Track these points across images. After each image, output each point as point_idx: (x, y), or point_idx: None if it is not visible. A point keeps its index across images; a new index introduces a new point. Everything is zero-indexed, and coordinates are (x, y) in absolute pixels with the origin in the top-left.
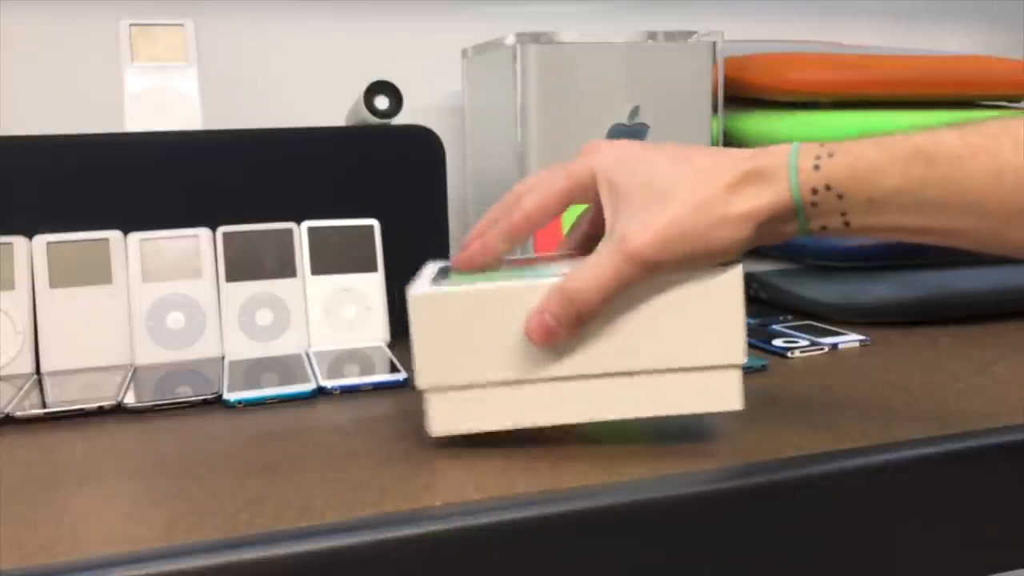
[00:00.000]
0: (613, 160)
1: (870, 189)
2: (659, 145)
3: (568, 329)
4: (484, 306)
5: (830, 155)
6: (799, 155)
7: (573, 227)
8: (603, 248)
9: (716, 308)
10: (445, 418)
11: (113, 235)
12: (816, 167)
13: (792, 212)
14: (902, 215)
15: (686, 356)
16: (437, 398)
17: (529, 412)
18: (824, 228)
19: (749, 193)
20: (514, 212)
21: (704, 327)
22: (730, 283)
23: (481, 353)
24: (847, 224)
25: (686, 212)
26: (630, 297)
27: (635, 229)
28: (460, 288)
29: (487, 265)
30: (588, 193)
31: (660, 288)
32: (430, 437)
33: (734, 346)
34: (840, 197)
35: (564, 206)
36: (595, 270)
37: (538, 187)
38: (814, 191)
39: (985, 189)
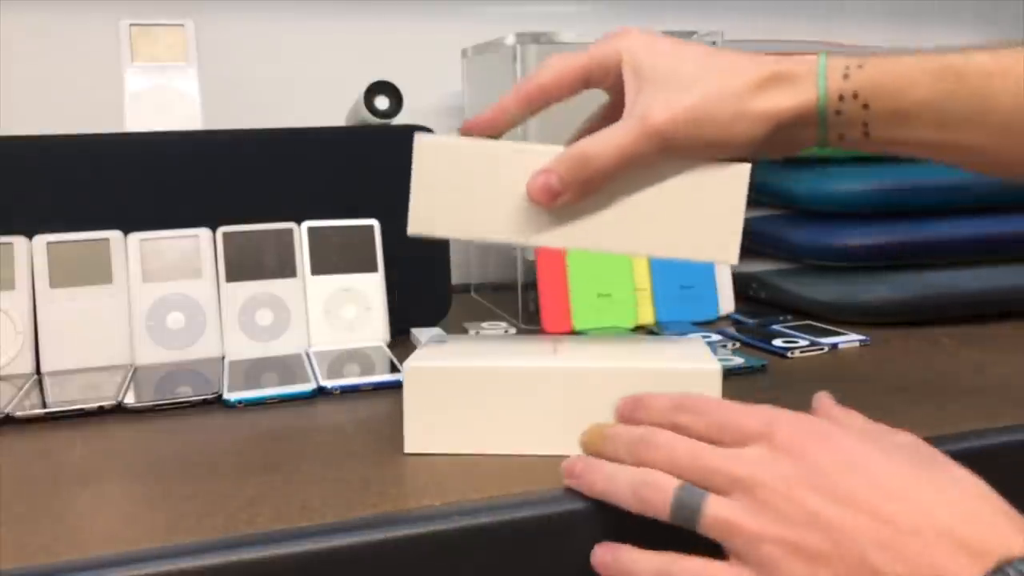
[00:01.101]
0: (642, 44)
1: (897, 100)
2: (688, 40)
3: (573, 192)
4: (483, 162)
5: (859, 66)
6: (828, 63)
7: (586, 122)
8: (623, 121)
9: (718, 202)
10: (419, 438)
11: (113, 235)
12: (845, 76)
13: (815, 117)
14: (925, 129)
15: (681, 247)
16: (413, 419)
17: (506, 440)
18: (842, 137)
19: (775, 93)
20: (531, 79)
21: (703, 220)
22: (737, 179)
23: (475, 207)
24: (866, 135)
25: (710, 99)
26: (634, 180)
27: (658, 106)
28: (462, 140)
29: (497, 129)
30: (608, 75)
31: (665, 175)
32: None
33: (729, 244)
34: (866, 107)
35: (581, 82)
36: (613, 138)
37: (557, 62)
38: (840, 98)
39: (1013, 106)
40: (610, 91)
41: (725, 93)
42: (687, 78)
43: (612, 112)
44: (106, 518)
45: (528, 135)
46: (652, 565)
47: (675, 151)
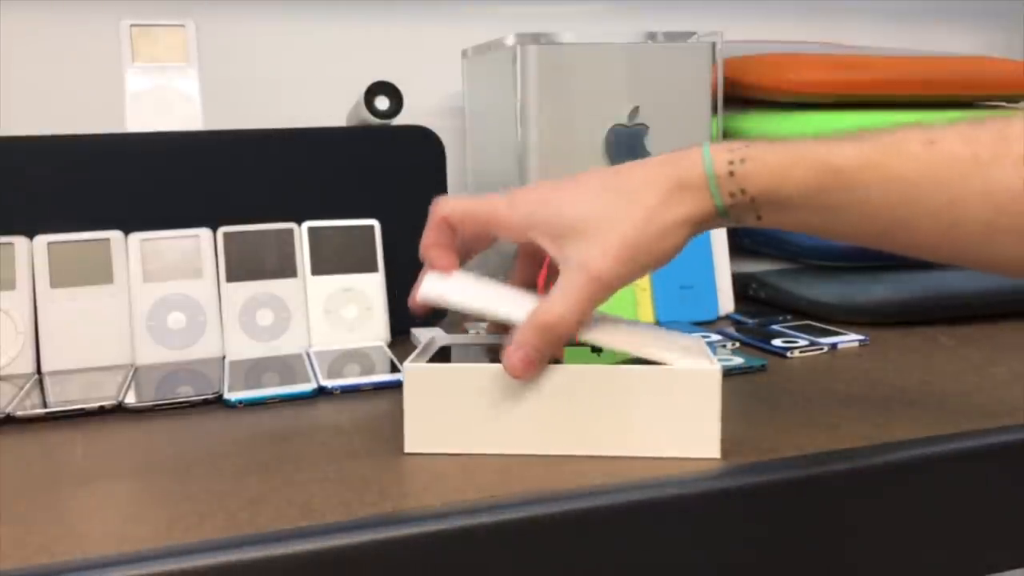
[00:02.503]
0: (533, 213)
1: (778, 192)
2: (571, 179)
3: (547, 359)
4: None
5: (742, 160)
6: (714, 161)
7: (509, 273)
8: (565, 278)
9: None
10: (419, 438)
11: (114, 235)
12: (731, 173)
13: (716, 214)
14: (808, 215)
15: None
16: (413, 419)
17: (505, 441)
18: (740, 221)
19: (678, 203)
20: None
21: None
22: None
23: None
24: (759, 219)
25: (633, 232)
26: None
27: (595, 254)
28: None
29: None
30: (536, 255)
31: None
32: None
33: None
34: (753, 200)
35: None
36: (566, 299)
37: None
38: (731, 195)
39: (883, 201)
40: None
41: (641, 220)
42: (602, 220)
43: (529, 260)
44: (106, 518)
45: (527, 145)
46: None
47: (622, 285)
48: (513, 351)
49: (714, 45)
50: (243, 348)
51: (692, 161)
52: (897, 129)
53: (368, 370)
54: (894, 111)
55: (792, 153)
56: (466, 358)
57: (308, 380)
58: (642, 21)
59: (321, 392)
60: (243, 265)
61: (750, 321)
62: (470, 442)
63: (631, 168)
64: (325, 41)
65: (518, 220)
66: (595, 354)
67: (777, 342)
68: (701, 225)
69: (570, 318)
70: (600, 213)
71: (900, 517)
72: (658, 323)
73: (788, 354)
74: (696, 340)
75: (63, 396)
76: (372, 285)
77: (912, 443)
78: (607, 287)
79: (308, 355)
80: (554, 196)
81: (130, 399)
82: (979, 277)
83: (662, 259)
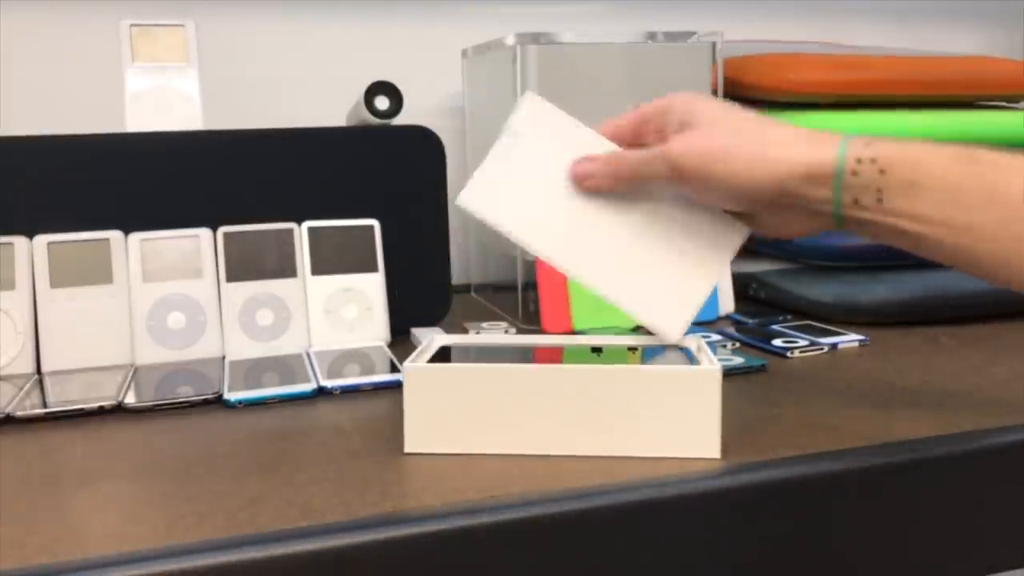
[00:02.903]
0: (689, 103)
1: (914, 171)
2: (730, 104)
3: (603, 181)
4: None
5: (882, 141)
6: (852, 136)
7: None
8: (651, 148)
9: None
10: (419, 438)
11: (114, 235)
12: (867, 143)
13: (830, 175)
14: (939, 205)
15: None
16: (413, 419)
17: (505, 441)
18: (856, 202)
19: (794, 145)
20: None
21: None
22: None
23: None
24: (880, 201)
25: (729, 147)
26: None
27: (682, 143)
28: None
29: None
30: (658, 121)
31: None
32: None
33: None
34: (882, 172)
35: (633, 129)
36: (638, 154)
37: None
38: (859, 160)
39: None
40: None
41: (747, 142)
42: (718, 126)
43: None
44: (106, 518)
45: None
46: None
47: (686, 182)
48: (580, 161)
49: (714, 45)
50: (243, 348)
51: (830, 134)
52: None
53: (368, 370)
54: (894, 111)
55: (931, 145)
56: (466, 358)
57: (308, 380)
58: (642, 21)
59: (321, 392)
60: (243, 265)
61: (750, 321)
62: (470, 442)
63: (787, 125)
64: (325, 41)
65: (673, 98)
66: (595, 354)
67: (777, 342)
68: (803, 183)
69: (628, 166)
70: (726, 125)
71: (900, 517)
72: None
73: (788, 354)
74: (695, 340)
75: (63, 396)
76: (372, 285)
77: (912, 443)
78: (671, 171)
79: (308, 355)
80: (711, 102)
81: (130, 399)
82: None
83: (739, 188)
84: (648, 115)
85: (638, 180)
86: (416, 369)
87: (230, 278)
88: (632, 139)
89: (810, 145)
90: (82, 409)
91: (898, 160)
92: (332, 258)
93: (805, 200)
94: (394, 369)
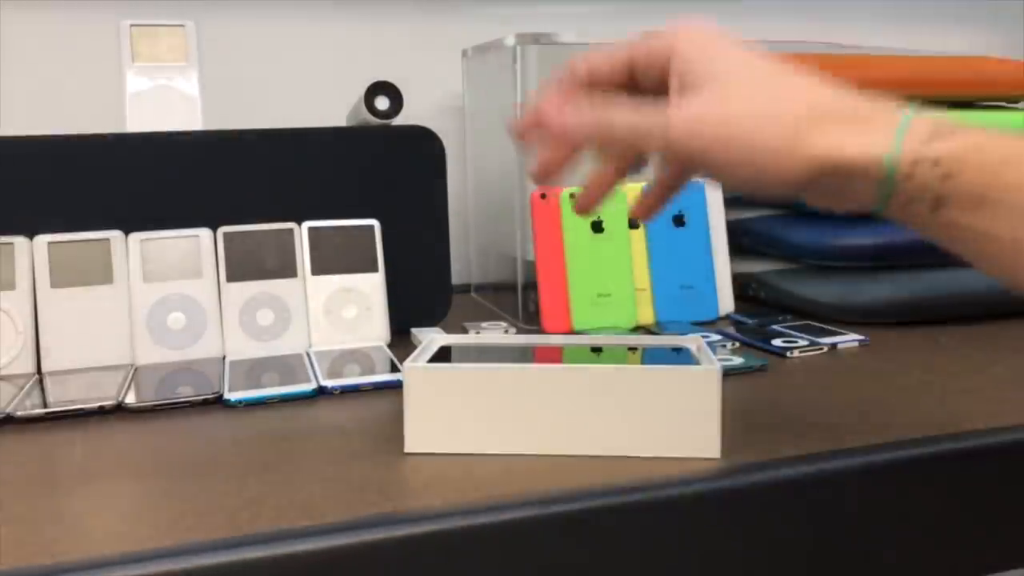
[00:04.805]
0: (698, 44)
1: (988, 178)
2: (752, 46)
3: (578, 134)
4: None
5: (952, 132)
6: (914, 116)
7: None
8: (653, 105)
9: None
10: (419, 438)
11: (114, 235)
12: (931, 137)
13: (878, 175)
14: (1008, 224)
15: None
16: (413, 419)
17: (505, 441)
18: (905, 208)
19: (836, 132)
20: (576, 63)
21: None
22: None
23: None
24: (935, 210)
25: (752, 117)
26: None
27: (684, 109)
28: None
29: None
30: (652, 69)
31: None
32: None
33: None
34: (946, 178)
35: (624, 73)
36: (634, 114)
37: (602, 50)
38: (915, 162)
39: None
40: (653, 92)
41: (773, 115)
42: (734, 86)
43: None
44: (106, 518)
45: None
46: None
47: (698, 166)
48: (565, 105)
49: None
50: (243, 348)
51: (888, 104)
52: None
53: (368, 370)
54: None
55: (1018, 141)
56: (466, 358)
57: (308, 380)
58: (642, 21)
59: (321, 392)
60: (243, 265)
61: (750, 321)
62: (470, 442)
63: (813, 72)
64: (325, 41)
65: (673, 40)
66: (595, 354)
67: (777, 342)
68: (841, 180)
69: (623, 123)
70: (741, 77)
71: (900, 517)
72: (658, 323)
73: (788, 354)
74: (695, 341)
75: (63, 396)
76: (372, 285)
77: (912, 443)
78: (663, 143)
79: (308, 355)
80: (720, 43)
81: (130, 399)
82: (978, 277)
83: (763, 179)
84: (641, 59)
85: (626, 139)
86: (416, 369)
87: (230, 278)
88: (621, 85)
89: (855, 128)
90: (82, 409)
91: (971, 165)
92: (332, 258)
93: (843, 189)
94: (394, 369)
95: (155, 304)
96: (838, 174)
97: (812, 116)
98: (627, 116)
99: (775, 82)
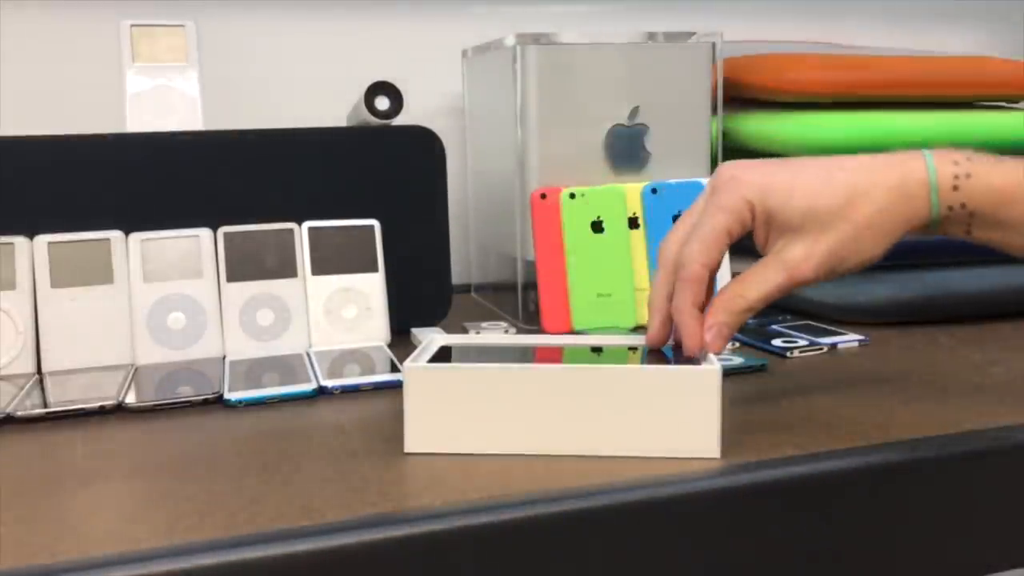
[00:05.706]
0: (764, 188)
1: (999, 213)
2: (799, 162)
3: (734, 333)
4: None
5: (968, 176)
6: (939, 171)
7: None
8: (767, 267)
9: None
10: (419, 438)
11: (114, 235)
12: (955, 187)
13: (928, 223)
14: (1019, 236)
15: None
16: (413, 419)
17: (505, 441)
18: (945, 233)
19: (894, 214)
20: (684, 271)
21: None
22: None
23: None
24: (968, 233)
25: (842, 243)
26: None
27: (799, 254)
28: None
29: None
30: (745, 227)
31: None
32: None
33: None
34: (972, 215)
35: (727, 247)
36: (760, 288)
37: (697, 234)
38: (950, 208)
39: None
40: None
41: (855, 229)
42: (821, 219)
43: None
44: (106, 518)
45: (527, 145)
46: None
47: (811, 284)
48: (707, 329)
49: (714, 45)
50: (243, 348)
51: (915, 167)
52: None
53: (368, 370)
54: (894, 111)
55: (1019, 176)
56: (466, 358)
57: (308, 380)
58: (642, 21)
59: (321, 392)
60: (243, 265)
61: (750, 321)
62: (470, 442)
63: (858, 165)
64: (325, 41)
65: (745, 194)
66: (595, 354)
67: (777, 342)
68: (909, 232)
69: (758, 306)
70: (820, 210)
71: (900, 517)
72: None
73: (788, 354)
74: None
75: (63, 396)
76: (372, 285)
77: (911, 443)
78: (796, 284)
79: (308, 355)
80: (779, 177)
81: (130, 399)
82: (979, 277)
83: (864, 265)
84: (736, 230)
85: (764, 306)
86: (416, 369)
87: (230, 278)
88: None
89: (906, 204)
90: (82, 409)
91: (984, 204)
92: (332, 258)
93: (908, 234)
94: (394, 369)
95: (155, 304)
96: (903, 233)
97: (878, 211)
98: (759, 291)
99: (841, 194)
